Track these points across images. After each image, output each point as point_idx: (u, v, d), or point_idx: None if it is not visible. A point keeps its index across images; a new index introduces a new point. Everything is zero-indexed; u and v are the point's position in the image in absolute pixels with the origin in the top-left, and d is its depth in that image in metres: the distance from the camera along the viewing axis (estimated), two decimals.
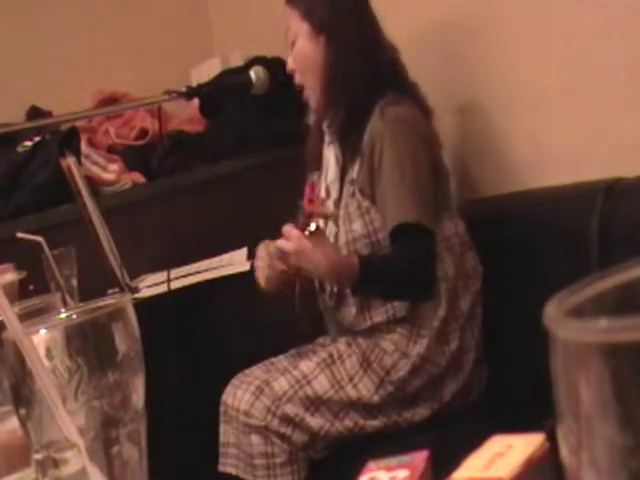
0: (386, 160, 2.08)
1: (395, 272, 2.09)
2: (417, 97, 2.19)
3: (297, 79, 2.25)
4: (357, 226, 2.14)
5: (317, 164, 2.29)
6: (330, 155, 2.25)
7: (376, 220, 2.12)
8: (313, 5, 2.20)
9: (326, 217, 2.17)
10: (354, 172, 2.16)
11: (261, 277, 2.17)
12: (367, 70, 2.14)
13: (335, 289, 2.21)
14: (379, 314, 2.15)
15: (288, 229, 2.00)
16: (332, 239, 2.18)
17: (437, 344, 2.13)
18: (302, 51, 2.21)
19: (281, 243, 2.02)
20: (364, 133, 2.14)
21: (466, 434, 1.07)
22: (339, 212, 2.19)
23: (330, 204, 2.23)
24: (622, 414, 0.28)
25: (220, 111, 2.71)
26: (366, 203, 2.13)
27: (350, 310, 2.19)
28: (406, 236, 2.06)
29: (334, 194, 2.22)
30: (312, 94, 2.23)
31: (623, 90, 2.09)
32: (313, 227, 2.01)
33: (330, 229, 2.20)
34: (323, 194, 2.25)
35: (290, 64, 2.25)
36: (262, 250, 2.17)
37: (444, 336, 2.14)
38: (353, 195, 2.16)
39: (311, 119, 2.41)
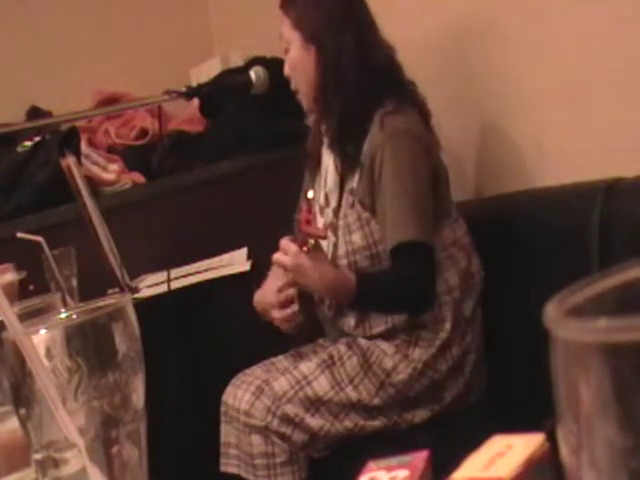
0: (386, 173, 2.07)
1: (393, 289, 2.09)
2: (415, 100, 2.18)
3: (292, 84, 2.24)
4: (357, 237, 2.13)
5: (317, 164, 2.29)
6: (329, 160, 2.23)
7: (376, 232, 2.11)
8: (304, 14, 2.17)
9: (323, 238, 2.17)
10: (354, 182, 2.15)
11: (284, 323, 2.17)
12: (361, 78, 2.11)
13: (334, 301, 2.21)
14: (378, 325, 2.15)
15: (286, 244, 2.00)
16: (331, 249, 2.18)
17: (440, 351, 2.13)
18: (294, 59, 2.20)
19: (279, 257, 2.02)
20: (363, 143, 2.12)
21: (466, 434, 1.07)
22: (338, 222, 2.18)
23: (329, 212, 2.22)
24: (622, 414, 0.28)
25: (220, 111, 2.72)
26: (366, 214, 2.12)
27: (349, 321, 2.18)
28: (405, 253, 2.05)
29: (333, 203, 2.21)
30: (304, 98, 2.23)
31: (623, 90, 2.09)
32: (312, 243, 2.01)
33: (329, 239, 2.19)
34: (322, 202, 2.24)
35: (286, 70, 2.24)
36: (268, 295, 2.17)
37: (447, 343, 2.14)
38: (353, 206, 2.14)
39: (310, 119, 2.40)
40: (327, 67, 2.14)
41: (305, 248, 1.99)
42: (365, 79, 2.12)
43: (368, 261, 2.12)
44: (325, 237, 2.16)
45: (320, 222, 2.22)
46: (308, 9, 2.17)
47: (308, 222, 2.12)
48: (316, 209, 2.24)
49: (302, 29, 2.17)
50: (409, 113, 2.12)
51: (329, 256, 2.15)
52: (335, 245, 2.17)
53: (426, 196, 2.08)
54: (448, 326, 2.12)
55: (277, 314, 2.16)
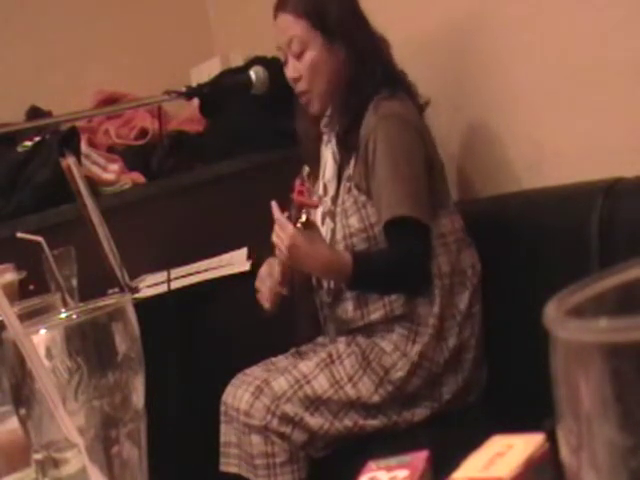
0: (380, 154, 2.09)
1: (389, 267, 2.10)
2: (410, 91, 2.20)
3: (301, 87, 2.23)
4: (353, 221, 2.15)
5: (316, 163, 2.30)
6: (328, 154, 2.25)
7: (372, 215, 2.13)
8: (321, 13, 2.17)
9: (316, 207, 2.18)
10: (350, 168, 2.17)
11: (263, 300, 2.18)
12: (375, 68, 2.15)
13: (332, 285, 2.21)
14: (376, 310, 2.16)
15: (282, 222, 2.00)
16: (329, 234, 2.19)
17: (435, 342, 2.13)
18: (316, 59, 2.19)
19: (276, 240, 2.03)
20: (360, 129, 2.14)
21: (466, 434, 1.07)
22: (336, 209, 2.19)
23: (327, 201, 2.23)
24: (622, 414, 0.28)
25: (220, 111, 2.71)
26: (362, 198, 2.14)
27: (347, 306, 2.19)
28: (400, 230, 2.06)
29: (331, 191, 2.23)
30: (317, 98, 2.22)
31: (623, 90, 2.09)
32: (304, 218, 2.02)
33: (327, 225, 2.21)
34: (320, 191, 2.26)
35: (292, 72, 2.22)
36: (265, 271, 2.18)
37: (441, 333, 2.14)
38: (349, 191, 2.17)
39: (300, 121, 2.39)
40: (353, 60, 2.16)
41: (299, 224, 2.01)
42: (375, 69, 2.15)
43: (365, 244, 2.14)
44: (317, 206, 2.18)
45: (318, 212, 2.23)
46: (330, 6, 2.17)
47: (301, 193, 2.13)
48: (312, 192, 2.26)
49: (323, 27, 2.17)
50: (404, 99, 2.15)
51: (327, 242, 2.16)
52: (333, 230, 2.19)
53: (420, 177, 2.10)
54: (437, 310, 2.12)
55: (260, 286, 2.18)
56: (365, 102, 2.15)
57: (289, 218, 2.04)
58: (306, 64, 2.21)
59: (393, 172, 2.07)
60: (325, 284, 2.24)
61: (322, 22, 2.17)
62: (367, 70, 2.15)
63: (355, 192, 2.15)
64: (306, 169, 2.32)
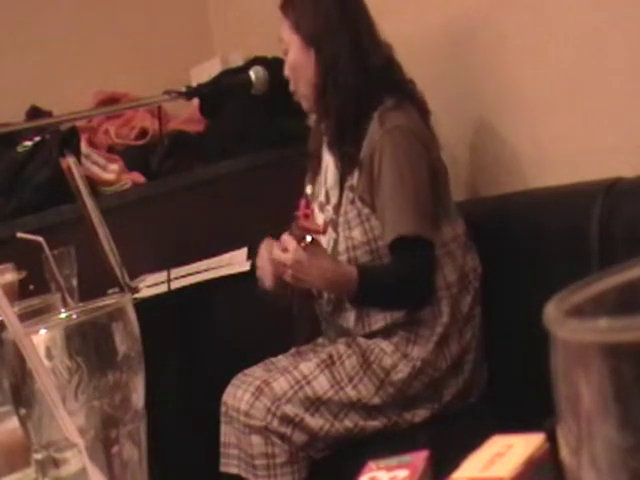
0: (385, 170, 2.08)
1: (393, 284, 2.10)
2: (415, 98, 2.18)
3: (291, 85, 2.25)
4: (357, 233, 2.14)
5: (318, 162, 2.29)
6: (329, 157, 2.24)
7: (376, 228, 2.12)
8: (302, 17, 2.18)
9: (321, 233, 2.18)
10: (354, 179, 2.16)
11: (265, 277, 2.17)
12: (358, 79, 2.13)
13: (332, 295, 2.21)
14: (377, 321, 2.15)
15: (286, 239, 2.01)
16: (332, 245, 2.19)
17: (439, 349, 2.13)
18: (294, 62, 2.21)
19: (278, 255, 2.02)
20: (362, 140, 2.13)
21: (466, 434, 1.07)
22: (338, 218, 2.19)
23: (329, 209, 2.22)
24: (622, 414, 0.28)
25: (220, 111, 2.71)
26: (366, 210, 2.13)
27: (348, 317, 2.19)
28: (405, 248, 2.06)
29: (334, 199, 2.22)
30: (303, 99, 2.24)
31: (623, 90, 2.09)
32: (309, 239, 2.02)
33: (330, 235, 2.20)
34: (323, 199, 2.25)
35: (285, 71, 2.25)
36: (264, 249, 2.17)
37: (445, 340, 2.14)
38: (353, 202, 2.15)
39: (311, 119, 2.41)
40: (325, 69, 2.15)
41: (303, 244, 2.00)
42: (362, 80, 2.13)
43: (368, 257, 2.13)
44: (323, 232, 2.17)
45: (320, 219, 2.23)
46: (306, 12, 2.18)
47: (306, 217, 2.13)
48: (315, 205, 2.26)
49: (300, 32, 2.18)
50: (409, 110, 2.14)
51: (329, 252, 2.16)
52: (335, 241, 2.18)
53: (425, 191, 2.09)
54: (445, 321, 2.13)
55: (261, 263, 2.17)
56: (354, 111, 2.13)
57: (292, 235, 2.04)
58: (288, 65, 2.24)
59: (399, 188, 2.07)
60: (325, 294, 2.23)
61: (299, 27, 2.18)
62: (338, 79, 2.13)
63: (359, 204, 2.14)
64: (308, 189, 2.31)
